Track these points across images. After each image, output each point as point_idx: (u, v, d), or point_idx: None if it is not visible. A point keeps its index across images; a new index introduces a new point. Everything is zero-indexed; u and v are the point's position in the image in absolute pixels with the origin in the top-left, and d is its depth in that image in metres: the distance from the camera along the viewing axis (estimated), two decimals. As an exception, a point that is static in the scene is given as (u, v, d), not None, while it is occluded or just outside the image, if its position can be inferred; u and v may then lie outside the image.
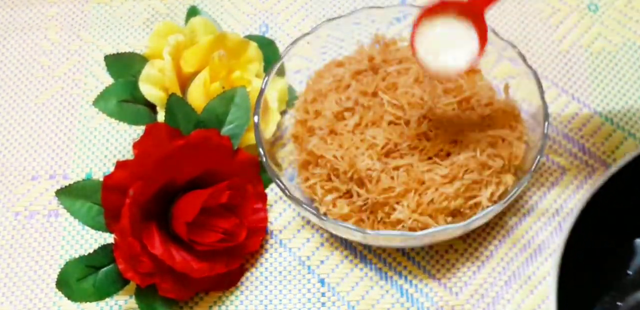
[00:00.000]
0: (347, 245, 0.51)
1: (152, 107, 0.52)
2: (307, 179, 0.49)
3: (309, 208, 0.45)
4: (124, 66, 0.53)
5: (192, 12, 0.57)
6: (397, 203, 0.45)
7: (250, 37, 0.55)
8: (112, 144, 0.56)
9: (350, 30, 0.53)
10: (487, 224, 0.51)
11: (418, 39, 0.42)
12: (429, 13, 0.42)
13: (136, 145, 0.46)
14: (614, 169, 0.34)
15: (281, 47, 0.58)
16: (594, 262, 0.35)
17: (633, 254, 0.38)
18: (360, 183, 0.46)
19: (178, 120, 0.50)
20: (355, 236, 0.46)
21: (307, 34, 0.51)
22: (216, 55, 0.51)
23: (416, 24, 0.42)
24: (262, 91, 0.49)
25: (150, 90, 0.51)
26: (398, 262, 0.50)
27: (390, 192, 0.45)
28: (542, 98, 0.47)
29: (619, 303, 0.37)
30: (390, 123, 0.48)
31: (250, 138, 0.51)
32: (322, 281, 0.50)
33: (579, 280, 0.32)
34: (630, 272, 0.38)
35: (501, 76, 0.52)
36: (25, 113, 0.58)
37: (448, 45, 0.42)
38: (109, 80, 0.54)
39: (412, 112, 0.47)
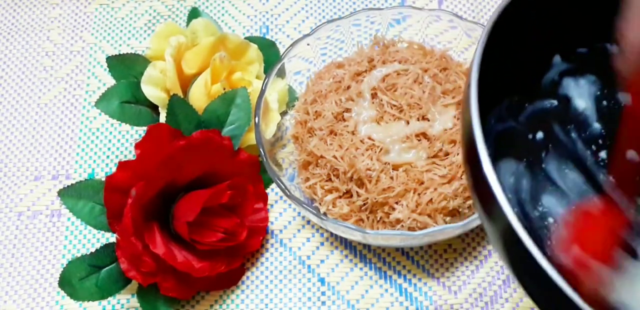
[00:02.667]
0: (346, 245, 0.52)
1: (153, 108, 0.53)
2: (307, 179, 0.49)
3: (309, 208, 0.46)
4: (126, 67, 0.53)
5: (193, 13, 0.57)
6: (397, 203, 0.46)
7: (251, 39, 0.56)
8: (114, 144, 0.56)
9: (350, 31, 0.54)
10: (485, 224, 0.51)
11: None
12: None
13: (138, 146, 0.46)
14: None
15: (281, 49, 0.58)
16: (512, 67, 0.35)
17: (549, 67, 0.38)
18: (360, 183, 0.46)
19: (179, 121, 0.50)
20: (355, 236, 0.46)
21: (307, 35, 0.52)
22: (217, 57, 0.52)
23: None
24: (262, 92, 0.50)
25: (152, 91, 0.51)
26: (397, 262, 0.51)
27: (390, 192, 0.45)
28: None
29: (527, 104, 0.38)
30: (389, 123, 0.48)
31: (250, 138, 0.52)
32: (322, 280, 0.50)
33: (494, 79, 0.32)
34: (543, 83, 0.38)
35: (499, 77, 0.52)
36: (28, 114, 0.58)
37: None
38: (111, 81, 0.54)
39: (411, 113, 0.48)
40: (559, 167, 0.36)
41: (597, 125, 0.38)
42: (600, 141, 0.37)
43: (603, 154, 0.37)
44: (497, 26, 0.32)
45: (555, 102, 0.38)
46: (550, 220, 0.35)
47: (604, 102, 0.38)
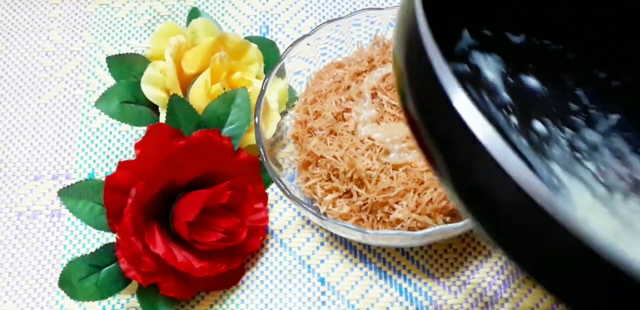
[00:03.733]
0: (346, 245, 0.52)
1: (153, 108, 0.53)
2: (307, 179, 0.49)
3: (309, 208, 0.46)
4: (126, 67, 0.53)
5: (193, 13, 0.57)
6: (397, 203, 0.46)
7: (251, 39, 0.56)
8: (114, 144, 0.56)
9: (350, 31, 0.54)
10: (485, 224, 0.51)
11: None
12: None
13: (138, 146, 0.46)
14: None
15: (281, 49, 0.58)
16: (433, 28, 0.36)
17: (459, 39, 0.39)
18: (360, 183, 0.46)
19: (179, 121, 0.50)
20: (355, 236, 0.46)
21: (307, 35, 0.52)
22: (217, 57, 0.52)
23: None
24: (262, 92, 0.50)
25: (152, 91, 0.51)
26: (397, 262, 0.51)
27: (390, 192, 0.45)
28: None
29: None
30: (389, 123, 0.48)
31: (250, 138, 0.52)
32: (322, 280, 0.50)
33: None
34: (456, 50, 0.40)
35: (499, 77, 0.52)
36: (27, 114, 0.58)
37: None
38: (110, 81, 0.54)
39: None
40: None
41: (505, 95, 0.39)
42: (510, 108, 0.38)
43: (514, 119, 0.37)
44: None
45: (467, 68, 0.38)
46: None
47: (510, 79, 0.39)
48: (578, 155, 0.38)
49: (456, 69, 0.38)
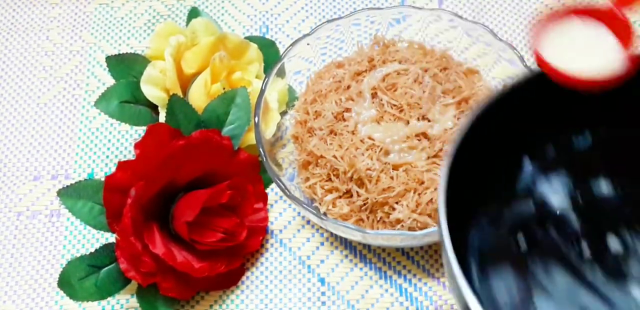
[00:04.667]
0: (346, 245, 0.51)
1: (153, 108, 0.53)
2: (307, 179, 0.49)
3: (309, 208, 0.45)
4: (126, 67, 0.53)
5: (193, 13, 0.57)
6: (397, 203, 0.46)
7: (251, 38, 0.56)
8: (114, 144, 0.56)
9: (350, 31, 0.53)
10: (485, 224, 0.51)
11: (547, 45, 0.35)
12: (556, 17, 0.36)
13: (137, 146, 0.46)
14: (503, 88, 0.35)
15: (281, 48, 0.58)
16: (483, 175, 0.36)
17: (520, 170, 0.39)
18: (360, 183, 0.46)
19: (179, 121, 0.50)
20: (355, 236, 0.46)
21: (307, 35, 0.52)
22: (217, 56, 0.51)
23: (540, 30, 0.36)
24: (262, 92, 0.50)
25: (151, 91, 0.51)
26: (397, 262, 0.51)
27: (390, 192, 0.45)
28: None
29: (505, 212, 0.38)
30: (389, 123, 0.48)
31: (250, 138, 0.52)
32: (322, 280, 0.50)
33: (467, 190, 0.33)
34: (517, 187, 0.39)
35: (500, 77, 0.52)
36: (27, 114, 0.58)
37: (585, 51, 0.36)
38: (110, 81, 0.54)
39: (412, 113, 0.48)
40: (546, 270, 0.36)
41: (575, 222, 0.38)
42: (581, 235, 0.38)
43: (586, 248, 0.37)
44: (463, 141, 0.33)
45: (531, 203, 0.39)
46: None
47: (578, 194, 0.39)
48: None
49: (520, 209, 0.38)
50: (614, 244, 0.37)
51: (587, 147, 0.39)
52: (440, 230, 0.30)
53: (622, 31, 0.35)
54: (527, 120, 0.36)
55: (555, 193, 0.39)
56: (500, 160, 0.37)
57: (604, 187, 0.39)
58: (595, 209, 0.38)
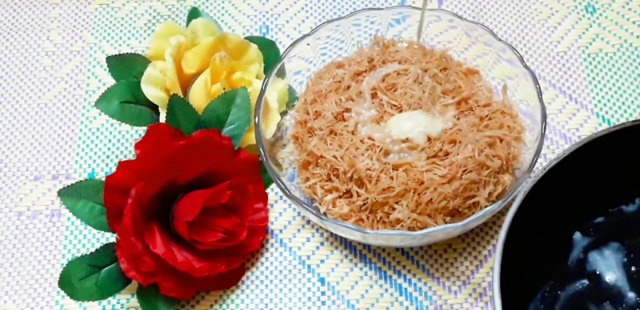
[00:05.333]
0: (346, 245, 0.52)
1: (153, 108, 0.53)
2: (307, 179, 0.49)
3: (309, 208, 0.46)
4: (126, 67, 0.53)
5: (193, 13, 0.57)
6: (397, 203, 0.46)
7: (251, 39, 0.56)
8: (114, 144, 0.56)
9: (350, 31, 0.54)
10: (485, 224, 0.51)
11: None
12: None
13: (138, 146, 0.46)
14: (551, 163, 0.35)
15: (281, 49, 0.58)
16: (535, 254, 0.36)
17: (571, 246, 0.39)
18: (360, 183, 0.46)
19: (179, 121, 0.50)
20: (354, 236, 0.46)
21: (307, 35, 0.52)
22: (217, 57, 0.52)
23: None
24: (262, 92, 0.50)
25: (151, 91, 0.51)
26: (397, 262, 0.51)
27: (390, 192, 0.45)
28: (540, 99, 0.47)
29: (559, 292, 0.38)
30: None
31: (250, 138, 0.52)
32: (322, 280, 0.50)
33: (522, 271, 0.33)
34: (569, 264, 0.39)
35: (499, 77, 0.52)
36: (27, 114, 0.58)
37: None
38: (110, 81, 0.54)
39: (411, 113, 0.48)
40: None
41: (631, 295, 0.38)
42: (636, 308, 0.38)
43: None
44: (512, 225, 0.33)
45: (585, 282, 0.39)
46: None
47: (632, 268, 0.39)
48: None
49: (575, 289, 0.38)
50: None
51: (638, 216, 0.39)
52: None
53: None
54: (574, 194, 0.36)
55: (609, 268, 0.39)
56: (551, 239, 0.37)
57: None
58: None
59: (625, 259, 0.39)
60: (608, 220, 0.39)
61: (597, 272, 0.39)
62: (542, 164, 0.36)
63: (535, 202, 0.34)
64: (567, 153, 0.35)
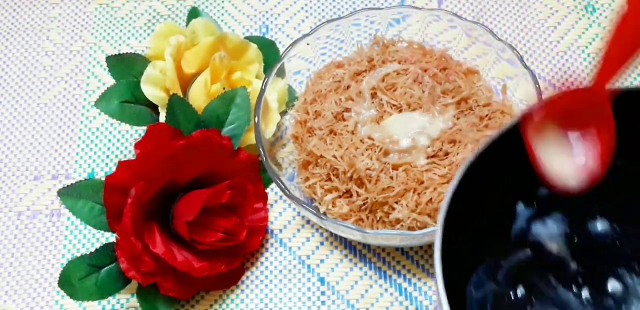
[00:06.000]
0: (346, 245, 0.52)
1: (153, 108, 0.53)
2: (307, 179, 0.49)
3: (309, 208, 0.46)
4: (126, 67, 0.53)
5: (193, 13, 0.57)
6: (397, 203, 0.46)
7: (251, 39, 0.56)
8: (114, 144, 0.56)
9: (350, 31, 0.54)
10: (485, 224, 0.51)
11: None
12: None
13: (138, 146, 0.46)
14: (494, 135, 0.34)
15: (281, 49, 0.58)
16: (478, 225, 0.36)
17: (515, 217, 0.39)
18: (360, 183, 0.47)
19: (179, 121, 0.50)
20: (354, 236, 0.46)
21: (307, 35, 0.52)
22: (217, 57, 0.52)
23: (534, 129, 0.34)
24: (262, 92, 0.50)
25: (152, 91, 0.51)
26: (397, 261, 0.51)
27: (390, 191, 0.45)
28: (540, 99, 0.47)
29: (502, 262, 0.38)
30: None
31: (250, 138, 0.52)
32: (322, 280, 0.50)
33: (464, 243, 0.33)
34: (513, 235, 0.39)
35: (499, 77, 0.52)
36: (27, 114, 0.58)
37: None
38: (110, 81, 0.54)
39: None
40: None
41: (573, 265, 0.38)
42: (580, 280, 0.38)
43: (586, 293, 0.37)
44: (455, 196, 0.32)
45: (529, 252, 0.39)
46: None
47: (575, 238, 0.39)
48: None
49: (518, 259, 0.38)
50: (613, 285, 0.37)
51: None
52: (437, 288, 0.30)
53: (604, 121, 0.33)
54: (518, 165, 0.36)
55: (552, 238, 0.39)
56: (494, 210, 0.37)
57: (601, 227, 0.39)
58: (594, 251, 0.38)
59: (569, 230, 0.39)
60: (552, 192, 0.39)
61: (540, 242, 0.39)
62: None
63: (478, 175, 0.34)
64: (509, 126, 0.35)
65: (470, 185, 0.33)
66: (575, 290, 0.37)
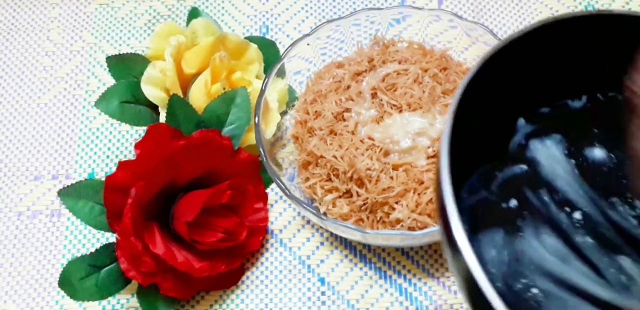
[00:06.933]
0: (346, 245, 0.52)
1: (153, 108, 0.53)
2: (307, 179, 0.49)
3: (309, 208, 0.46)
4: (126, 67, 0.53)
5: (193, 13, 0.57)
6: (397, 203, 0.46)
7: (251, 39, 0.56)
8: (114, 144, 0.56)
9: (350, 31, 0.54)
10: (485, 224, 0.51)
11: None
12: None
13: (138, 146, 0.46)
14: (505, 41, 0.34)
15: (281, 49, 0.58)
16: (478, 136, 0.36)
17: (515, 131, 0.39)
18: (360, 183, 0.46)
19: (179, 121, 0.50)
20: (354, 236, 0.46)
21: (307, 35, 0.52)
22: (217, 57, 0.52)
23: None
24: (262, 92, 0.50)
25: (151, 91, 0.51)
26: (397, 261, 0.51)
27: (390, 191, 0.45)
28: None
29: (497, 173, 0.38)
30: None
31: (250, 138, 0.52)
32: (322, 280, 0.50)
33: (462, 151, 0.33)
34: (510, 148, 0.39)
35: (499, 77, 0.52)
36: (27, 114, 0.58)
37: None
38: (110, 81, 0.54)
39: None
40: (536, 233, 0.36)
41: (568, 186, 0.38)
42: (573, 202, 0.38)
43: (577, 215, 0.37)
44: (460, 102, 0.33)
45: (524, 167, 0.38)
46: (534, 290, 0.35)
47: (572, 161, 0.39)
48: None
49: (513, 172, 0.38)
50: (607, 212, 0.37)
51: (583, 113, 0.39)
52: (441, 187, 0.30)
53: None
54: (525, 81, 0.36)
55: (549, 158, 0.39)
56: (495, 120, 0.37)
57: (599, 154, 0.39)
58: (589, 176, 0.38)
59: (566, 152, 0.39)
60: (553, 112, 0.39)
61: (537, 159, 0.39)
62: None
63: (483, 86, 0.34)
64: (521, 33, 0.35)
65: (475, 95, 0.33)
66: (567, 210, 0.37)
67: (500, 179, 0.38)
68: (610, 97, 0.39)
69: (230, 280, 0.50)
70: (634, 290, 0.34)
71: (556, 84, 0.38)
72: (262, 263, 0.51)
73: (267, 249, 0.52)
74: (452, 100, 0.32)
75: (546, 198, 0.37)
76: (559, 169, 0.38)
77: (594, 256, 0.35)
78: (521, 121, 0.39)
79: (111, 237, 0.52)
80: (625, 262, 0.35)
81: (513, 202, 0.37)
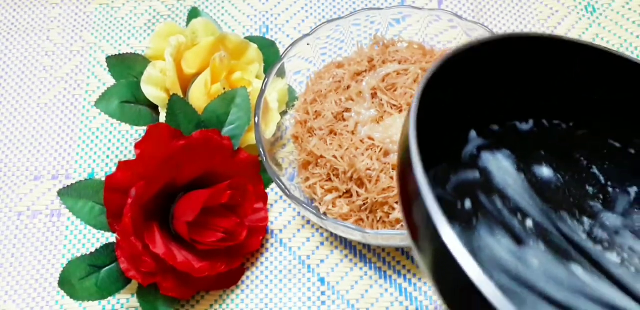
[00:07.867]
0: (346, 245, 0.52)
1: (153, 108, 0.53)
2: (307, 179, 0.49)
3: (309, 208, 0.46)
4: (126, 67, 0.53)
5: (193, 13, 0.57)
6: (397, 203, 0.46)
7: (251, 39, 0.56)
8: (114, 144, 0.56)
9: (350, 31, 0.54)
10: (485, 224, 0.51)
11: None
12: None
13: (138, 146, 0.46)
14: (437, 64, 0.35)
15: (281, 49, 0.58)
16: (433, 140, 0.36)
17: (467, 141, 0.39)
18: (360, 183, 0.47)
19: (179, 121, 0.50)
20: (354, 236, 0.46)
21: (307, 35, 0.52)
22: (217, 57, 0.52)
23: None
24: (262, 92, 0.50)
25: (151, 91, 0.51)
26: (397, 261, 0.51)
27: (390, 191, 0.45)
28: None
29: (451, 176, 0.38)
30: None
31: (250, 138, 0.52)
32: (322, 280, 0.50)
33: (425, 144, 0.33)
34: (463, 156, 0.39)
35: (499, 77, 0.52)
36: (27, 114, 0.58)
37: None
38: (110, 81, 0.54)
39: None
40: (492, 233, 0.36)
41: (519, 197, 0.38)
42: (524, 212, 0.38)
43: (529, 222, 0.37)
44: (423, 96, 0.33)
45: (477, 174, 0.39)
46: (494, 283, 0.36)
47: (522, 175, 0.39)
48: (599, 247, 0.37)
49: (466, 177, 0.38)
50: (558, 224, 0.37)
51: (531, 136, 0.40)
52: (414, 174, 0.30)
53: None
54: (477, 96, 0.36)
55: (500, 169, 0.39)
56: (450, 127, 0.37)
57: (547, 173, 0.40)
58: (539, 190, 0.39)
59: (516, 167, 0.39)
60: (502, 131, 0.39)
61: (488, 169, 0.39)
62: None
63: (438, 91, 0.34)
64: (478, 42, 0.36)
65: (435, 96, 0.33)
66: (519, 217, 0.38)
67: (454, 182, 0.38)
68: (555, 124, 0.40)
69: (230, 280, 0.50)
70: (588, 292, 0.34)
71: (505, 104, 0.38)
72: (262, 263, 0.51)
73: (267, 249, 0.52)
74: (414, 96, 0.32)
75: (499, 204, 0.38)
76: (510, 180, 0.39)
77: (547, 261, 0.36)
78: (473, 133, 0.39)
79: (111, 237, 0.52)
80: (577, 270, 0.36)
81: (467, 204, 0.37)
